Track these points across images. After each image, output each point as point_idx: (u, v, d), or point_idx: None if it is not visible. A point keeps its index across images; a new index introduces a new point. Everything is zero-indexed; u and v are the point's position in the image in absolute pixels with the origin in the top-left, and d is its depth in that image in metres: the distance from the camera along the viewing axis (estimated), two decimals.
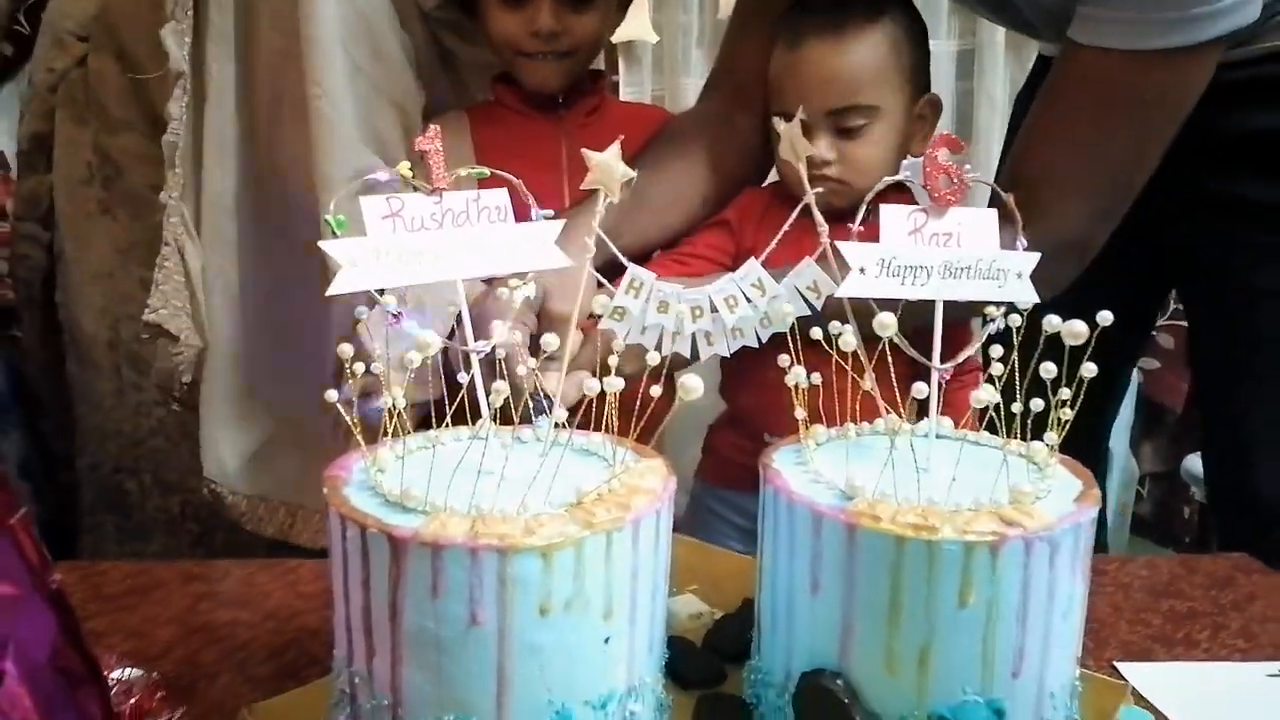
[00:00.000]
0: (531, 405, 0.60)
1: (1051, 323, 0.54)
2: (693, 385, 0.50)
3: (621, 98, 1.94)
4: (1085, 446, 1.25)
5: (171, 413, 1.13)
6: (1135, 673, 0.69)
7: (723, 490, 1.07)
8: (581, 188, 0.59)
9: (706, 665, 0.63)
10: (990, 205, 0.63)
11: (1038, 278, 0.85)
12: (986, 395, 0.53)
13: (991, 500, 0.53)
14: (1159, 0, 0.80)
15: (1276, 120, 0.96)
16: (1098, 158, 0.88)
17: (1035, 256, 0.60)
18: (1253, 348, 1.02)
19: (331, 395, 0.54)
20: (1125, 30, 0.82)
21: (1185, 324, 1.21)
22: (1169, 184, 0.91)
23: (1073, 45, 0.87)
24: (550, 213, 0.59)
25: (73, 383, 1.16)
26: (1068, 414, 0.56)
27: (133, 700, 0.60)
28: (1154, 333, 1.90)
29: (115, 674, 0.62)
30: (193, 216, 1.03)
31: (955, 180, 0.57)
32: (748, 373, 0.98)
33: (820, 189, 0.61)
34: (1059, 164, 0.89)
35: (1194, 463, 1.85)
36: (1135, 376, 1.91)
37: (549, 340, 0.55)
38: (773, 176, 1.07)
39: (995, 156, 1.39)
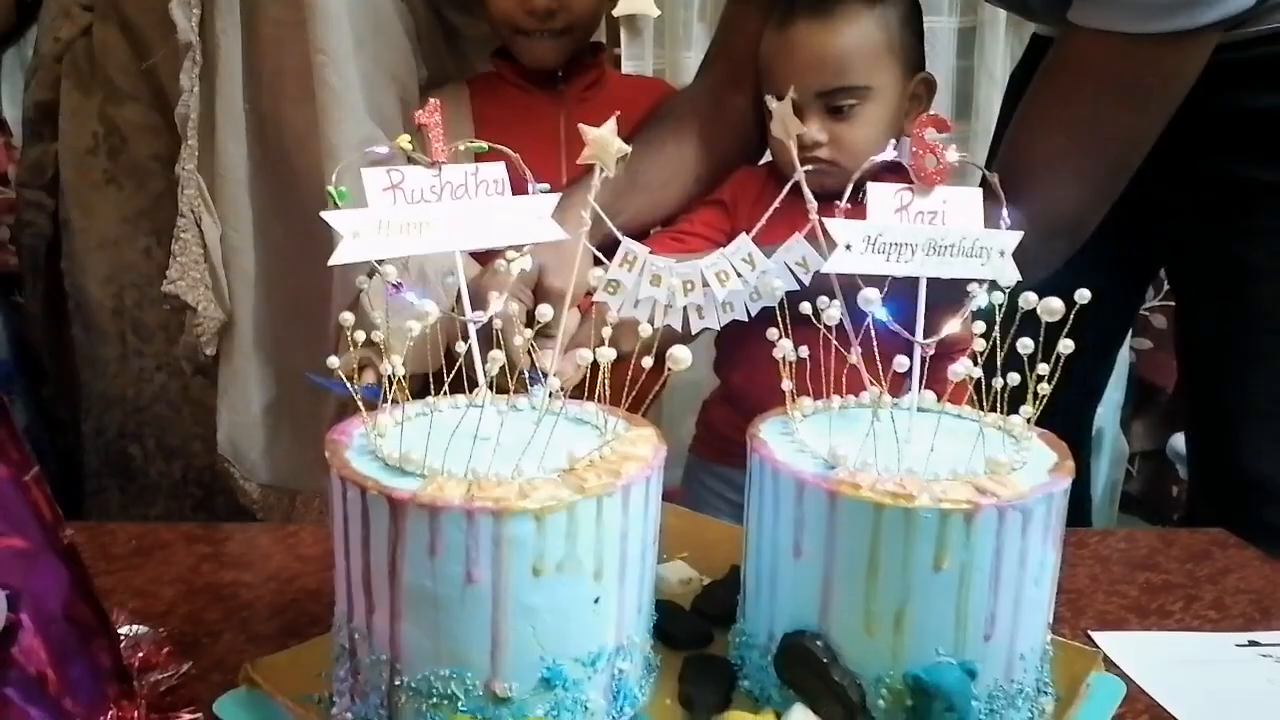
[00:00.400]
0: (527, 376, 0.62)
1: (1028, 299, 0.55)
2: (681, 356, 0.52)
3: (623, 70, 1.94)
4: (1071, 422, 1.27)
5: (174, 378, 1.15)
6: (1108, 641, 0.72)
7: (715, 464, 1.09)
8: (577, 162, 0.60)
9: (694, 627, 0.66)
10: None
11: (1033, 257, 0.87)
12: (963, 369, 0.55)
13: (968, 470, 0.54)
14: None
15: (1269, 100, 0.97)
16: (1094, 140, 0.89)
17: (1018, 235, 0.61)
18: (1243, 326, 1.04)
19: (333, 362, 0.56)
20: (1125, 14, 0.83)
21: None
22: (1162, 163, 0.92)
23: (1071, 28, 0.87)
24: (545, 186, 0.60)
25: (78, 349, 1.17)
26: (1045, 389, 0.57)
27: (140, 655, 0.62)
28: (1146, 312, 1.92)
29: (123, 630, 0.64)
30: (208, 187, 1.04)
31: (940, 160, 0.58)
32: (740, 350, 1.00)
33: (810, 168, 0.62)
34: (1055, 145, 0.90)
35: (1180, 442, 1.87)
36: (1127, 356, 1.93)
37: (544, 311, 0.57)
38: (768, 156, 1.09)
39: (993, 133, 1.39)
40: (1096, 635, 0.73)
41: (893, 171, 0.63)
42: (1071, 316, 0.55)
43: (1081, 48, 0.87)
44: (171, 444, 1.16)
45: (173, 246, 1.04)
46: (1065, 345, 0.55)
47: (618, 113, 0.60)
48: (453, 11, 1.12)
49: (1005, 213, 0.61)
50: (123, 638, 0.62)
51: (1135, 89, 0.87)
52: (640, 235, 1.01)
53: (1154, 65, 0.86)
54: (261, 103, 1.02)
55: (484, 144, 0.60)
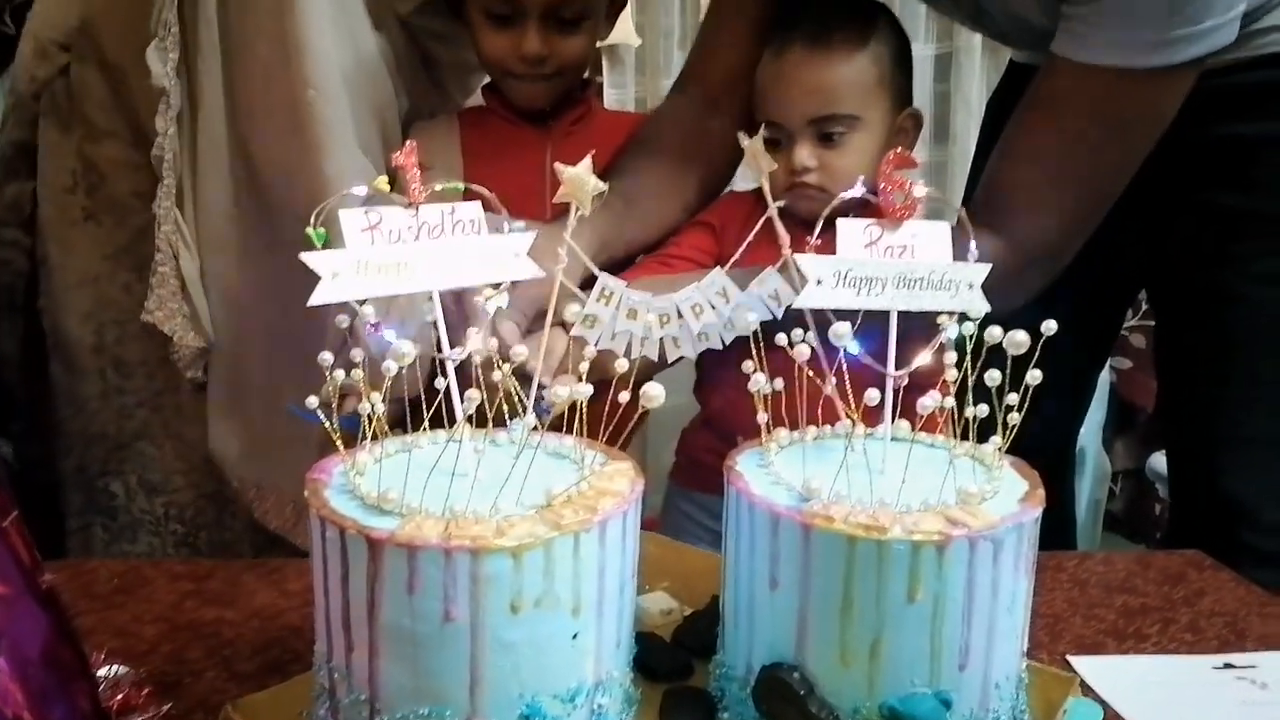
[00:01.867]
0: (506, 409, 0.62)
1: (993, 334, 0.57)
2: (654, 393, 0.52)
3: (605, 99, 1.96)
4: (1054, 444, 1.28)
5: (155, 414, 1.15)
6: (1086, 666, 0.72)
7: (693, 492, 1.10)
8: (554, 200, 0.61)
9: (674, 659, 0.66)
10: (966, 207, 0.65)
11: (1013, 282, 0.89)
12: (932, 401, 0.56)
13: (940, 501, 0.55)
14: (1142, 20, 0.83)
15: (1243, 128, 0.99)
16: (1074, 171, 0.91)
17: (986, 268, 0.62)
18: (1219, 350, 1.05)
19: (313, 401, 0.57)
20: (1107, 48, 0.85)
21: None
22: (1139, 189, 0.93)
23: (1053, 59, 0.89)
24: (521, 224, 0.61)
25: (56, 388, 1.17)
26: (1015, 418, 0.58)
27: (119, 697, 0.62)
28: (1125, 332, 1.94)
29: (101, 671, 0.64)
30: (191, 221, 1.05)
31: (908, 196, 0.60)
32: (720, 373, 1.01)
33: (783, 202, 0.63)
34: (1036, 175, 0.92)
35: (1159, 461, 1.89)
36: (1108, 376, 1.95)
37: (519, 351, 0.58)
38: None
39: (970, 159, 1.42)
40: (1074, 660, 0.74)
41: (867, 205, 0.64)
42: (1039, 347, 0.57)
43: (1064, 80, 0.89)
44: (154, 480, 1.16)
45: (151, 280, 1.05)
46: (1034, 376, 0.56)
47: (593, 151, 0.61)
48: (431, 41, 1.13)
49: (974, 245, 0.63)
50: (102, 679, 0.61)
51: (1116, 121, 0.89)
52: (628, 261, 1.02)
53: (1135, 99, 0.87)
54: (250, 140, 1.02)
55: (460, 184, 0.60)
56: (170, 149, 1.02)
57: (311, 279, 0.56)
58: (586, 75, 1.23)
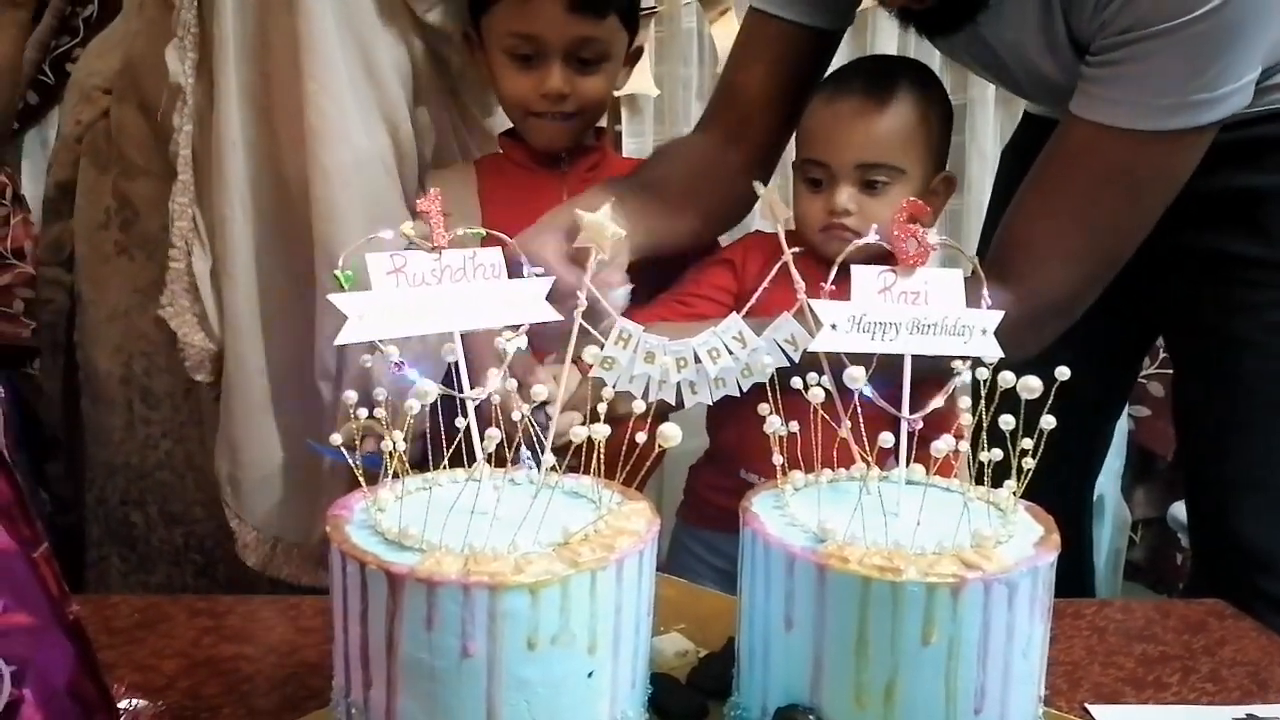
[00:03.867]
0: (524, 447, 0.63)
1: (1006, 378, 0.57)
2: (670, 434, 0.53)
3: (624, 148, 1.99)
4: (1071, 492, 1.28)
5: (179, 445, 1.16)
6: (1105, 715, 0.72)
7: (699, 530, 1.10)
8: (574, 245, 0.63)
9: (689, 701, 0.66)
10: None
11: (1026, 335, 0.90)
12: (945, 445, 0.57)
13: (954, 544, 0.56)
14: (1161, 86, 0.85)
15: (1256, 180, 1.00)
16: (1090, 228, 0.93)
17: (999, 314, 0.63)
18: (1232, 397, 1.06)
19: (336, 439, 0.58)
20: (1127, 110, 0.86)
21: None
22: (1155, 237, 0.94)
23: (1071, 117, 0.91)
24: (540, 270, 0.63)
25: (85, 420, 1.19)
26: (1030, 463, 0.59)
27: None
28: (1143, 380, 1.93)
29: (122, 704, 0.65)
30: (207, 225, 1.06)
31: (921, 243, 0.61)
32: (730, 408, 1.01)
33: (800, 249, 0.64)
34: (1052, 231, 0.93)
35: (1180, 510, 1.87)
36: (1126, 424, 1.93)
37: (538, 391, 0.59)
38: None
39: (985, 209, 1.43)
40: (1093, 708, 0.73)
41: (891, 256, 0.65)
42: (1053, 392, 0.57)
43: (1082, 139, 0.91)
44: (174, 511, 1.17)
45: (166, 275, 1.07)
46: (1048, 421, 0.57)
47: (612, 198, 0.63)
48: (449, 49, 1.14)
49: (986, 292, 0.64)
50: (122, 712, 0.62)
51: (1131, 181, 0.91)
52: (648, 299, 1.03)
53: (1151, 160, 0.89)
54: (264, 138, 1.04)
55: (482, 230, 0.62)
56: (186, 146, 1.04)
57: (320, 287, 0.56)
58: (604, 124, 1.26)
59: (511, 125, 1.16)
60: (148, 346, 1.15)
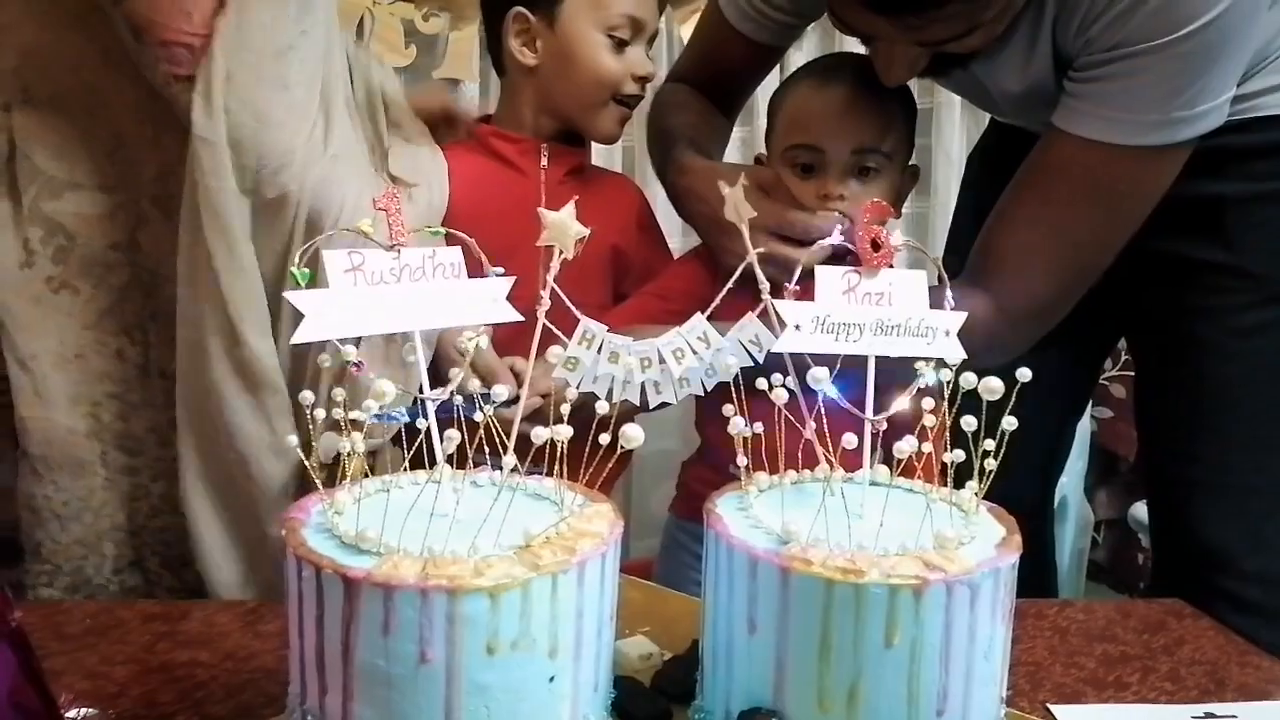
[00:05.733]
0: (487, 450, 0.62)
1: (968, 380, 0.57)
2: (633, 435, 0.53)
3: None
4: (1032, 492, 1.29)
5: (172, 484, 0.98)
6: (1066, 715, 0.72)
7: (687, 522, 1.10)
8: (537, 244, 0.62)
9: (653, 705, 0.65)
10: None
11: (1002, 341, 0.91)
12: (908, 445, 0.57)
13: (917, 545, 0.56)
14: (1144, 103, 0.87)
15: (1223, 187, 1.02)
16: (1066, 239, 0.94)
17: (963, 316, 0.63)
18: (1194, 399, 1.07)
19: (292, 440, 0.57)
20: (1108, 125, 0.88)
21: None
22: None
23: (1055, 131, 0.93)
24: (500, 270, 0.62)
25: (38, 509, 0.98)
26: (992, 464, 0.59)
27: None
28: (1105, 382, 1.96)
29: (70, 714, 0.63)
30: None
31: (884, 244, 0.61)
32: (717, 404, 1.01)
33: (762, 249, 0.64)
34: (1029, 241, 0.95)
35: (1141, 510, 1.89)
36: (1088, 425, 1.96)
37: (498, 391, 0.58)
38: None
39: (951, 212, 1.44)
40: (1055, 708, 0.73)
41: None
42: (1014, 393, 0.57)
43: (1064, 151, 0.92)
44: (180, 554, 1.01)
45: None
46: (1009, 422, 0.57)
47: (575, 197, 0.62)
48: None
49: (952, 294, 0.64)
50: None
51: (1110, 194, 0.92)
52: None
53: (1130, 174, 0.91)
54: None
55: (442, 229, 0.61)
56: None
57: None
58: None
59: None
60: (114, 387, 0.98)
